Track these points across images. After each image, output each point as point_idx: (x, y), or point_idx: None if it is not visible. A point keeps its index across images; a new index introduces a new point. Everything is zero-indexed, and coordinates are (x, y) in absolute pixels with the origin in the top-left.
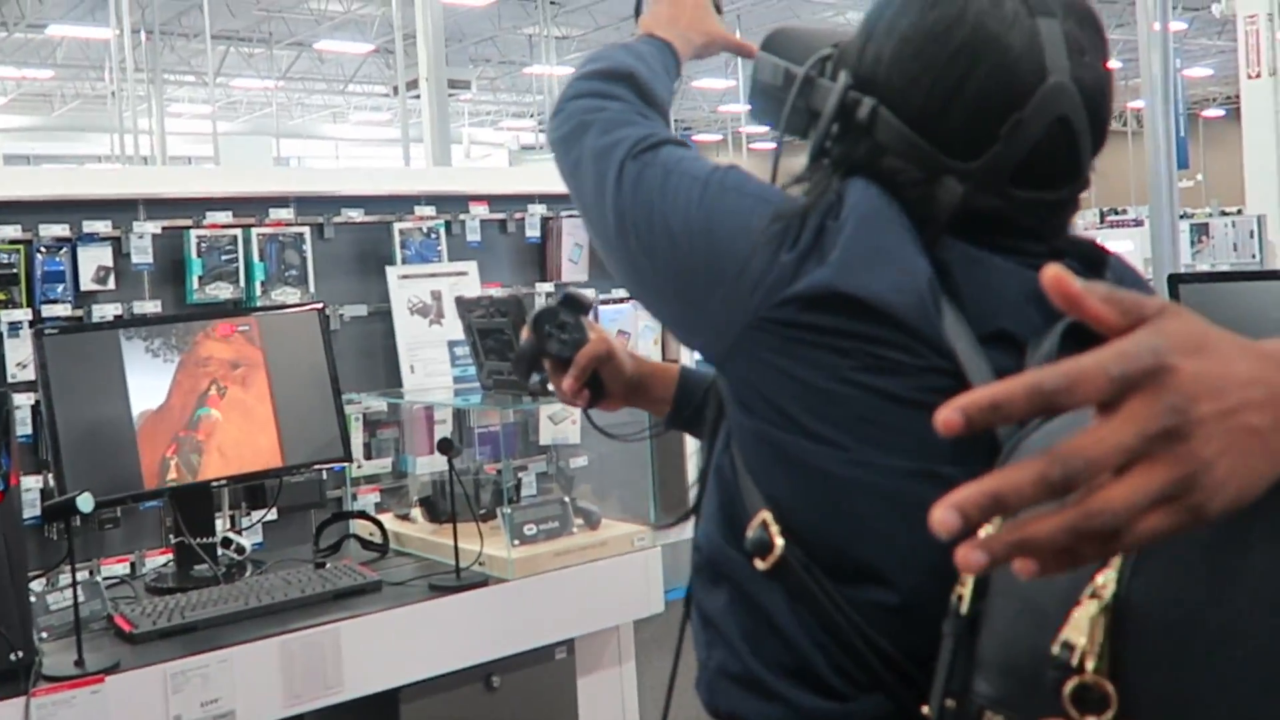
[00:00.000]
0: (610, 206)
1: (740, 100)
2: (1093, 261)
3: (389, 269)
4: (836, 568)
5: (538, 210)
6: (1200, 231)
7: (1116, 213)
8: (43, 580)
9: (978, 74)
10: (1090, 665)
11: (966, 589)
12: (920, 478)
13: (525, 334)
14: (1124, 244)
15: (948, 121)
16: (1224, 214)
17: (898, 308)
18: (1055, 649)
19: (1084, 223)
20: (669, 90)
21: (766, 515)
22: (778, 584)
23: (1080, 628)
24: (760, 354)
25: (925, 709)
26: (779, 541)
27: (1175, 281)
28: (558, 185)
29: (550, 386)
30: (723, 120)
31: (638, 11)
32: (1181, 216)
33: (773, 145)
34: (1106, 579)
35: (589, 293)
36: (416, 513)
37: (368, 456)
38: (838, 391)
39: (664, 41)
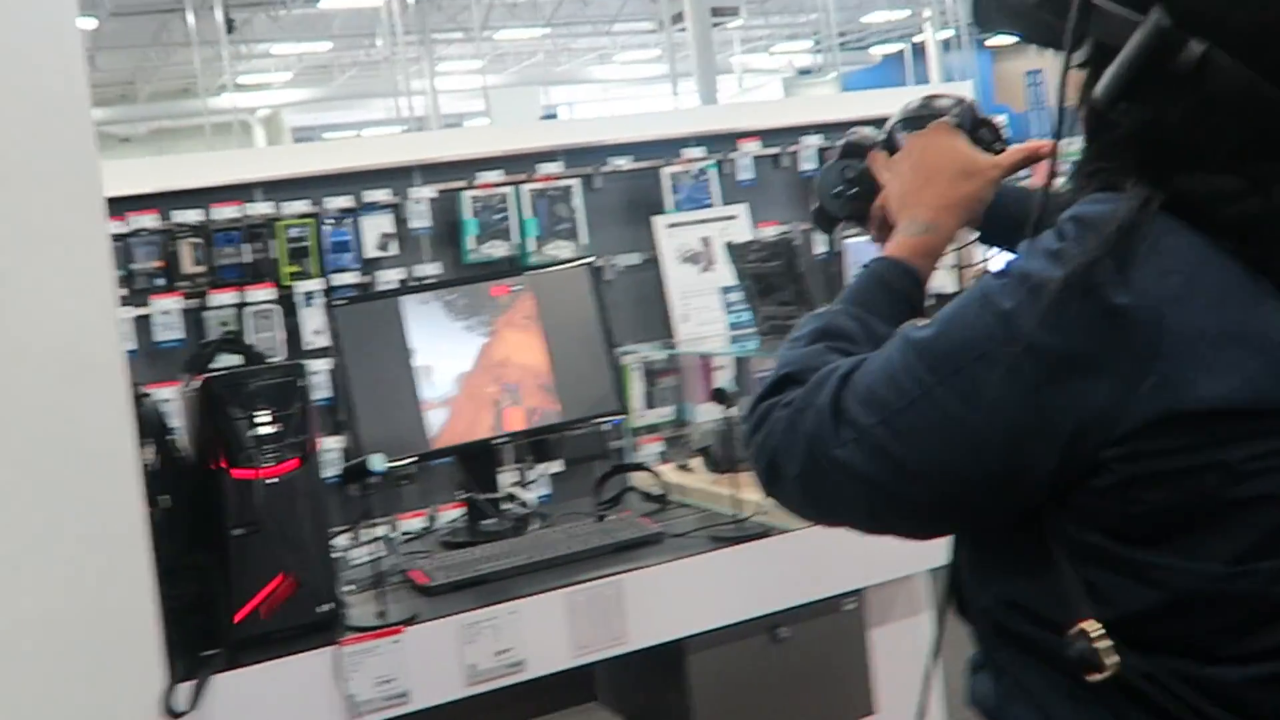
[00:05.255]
0: (878, 508)
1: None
2: None
3: (655, 218)
4: (1189, 655)
5: (812, 141)
6: None
7: None
8: (345, 536)
9: None
10: None
11: None
12: None
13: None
14: None
15: None
16: None
17: (1260, 399)
18: None
19: None
20: (891, 319)
21: (1088, 626)
22: (1119, 693)
23: None
24: (1106, 491)
25: None
26: (1109, 660)
27: None
28: (831, 113)
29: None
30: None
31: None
32: None
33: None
34: None
35: (868, 131)
36: (696, 463)
37: (649, 405)
38: (1205, 509)
39: (891, 261)
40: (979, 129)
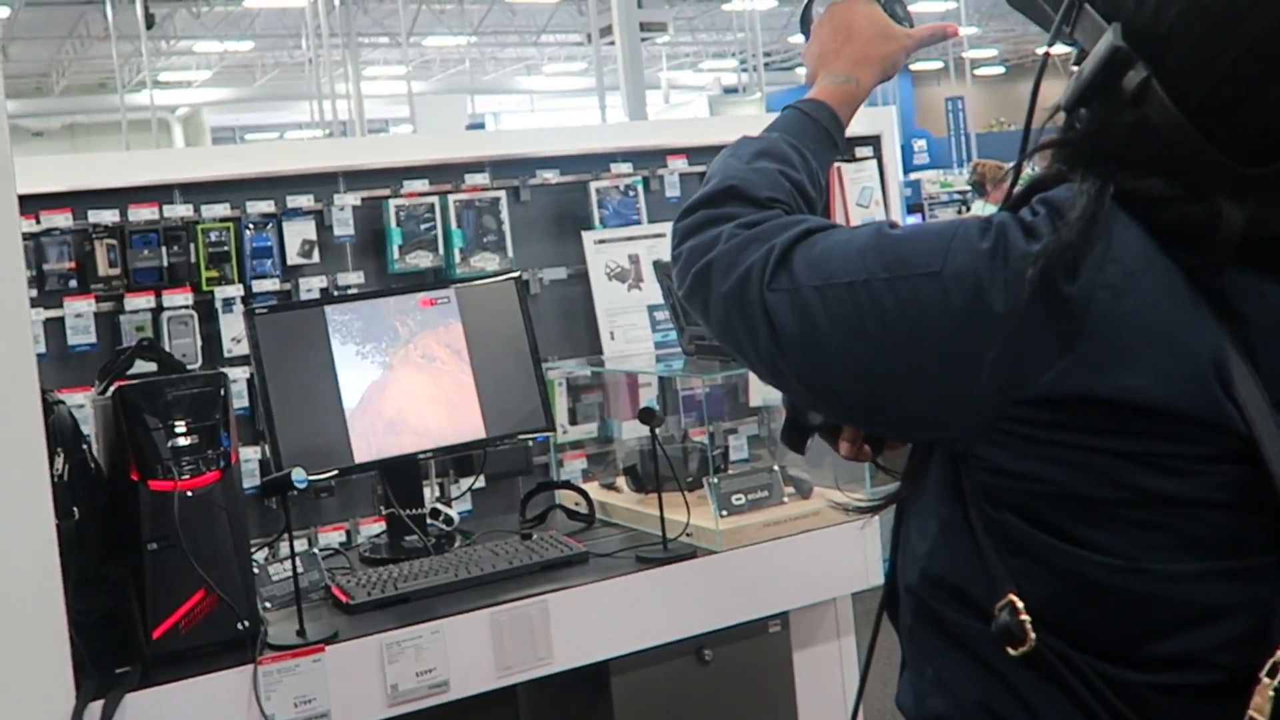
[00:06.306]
0: (776, 358)
1: (963, 22)
2: None
3: (585, 234)
4: (1098, 654)
5: None
6: None
7: None
8: (264, 551)
9: None
10: None
11: (1264, 715)
12: (1206, 578)
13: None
14: None
15: (1235, 118)
16: None
17: (1172, 402)
18: None
19: None
20: (820, 155)
21: (1014, 599)
22: (1030, 670)
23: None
24: (1007, 457)
25: None
26: (1032, 635)
27: None
28: (757, 131)
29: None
30: (943, 45)
31: (805, 29)
32: None
33: (1000, 70)
34: None
35: None
36: (622, 482)
37: (573, 422)
38: (1109, 498)
39: (817, 101)
40: (892, 5)
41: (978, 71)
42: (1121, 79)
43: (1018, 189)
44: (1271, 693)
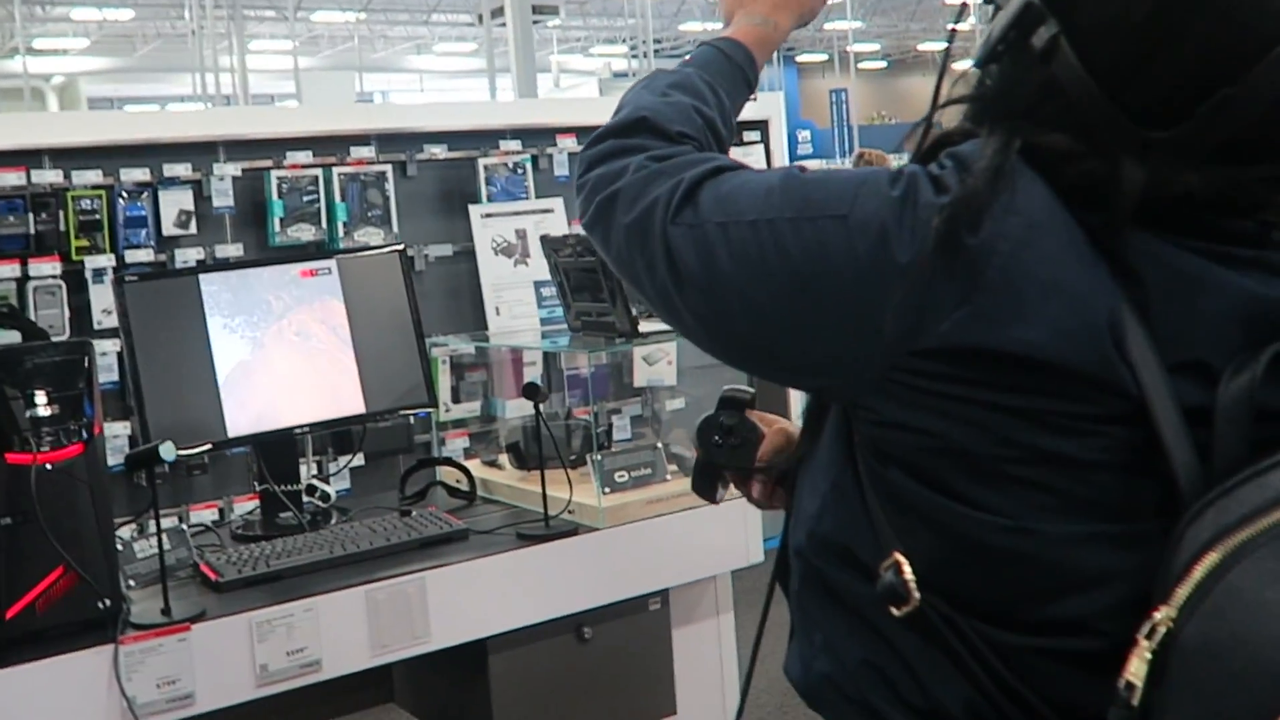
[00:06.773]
0: (673, 294)
1: (848, 16)
2: None
3: (472, 208)
4: (981, 616)
5: None
6: None
7: None
8: (131, 528)
9: (1191, 33)
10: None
11: (1139, 678)
12: (1093, 541)
13: (695, 450)
14: None
15: (1140, 79)
16: None
17: (1064, 359)
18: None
19: None
20: (734, 94)
21: (900, 558)
22: (913, 632)
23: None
24: (897, 409)
25: None
26: (916, 595)
27: None
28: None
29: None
30: (828, 38)
31: None
32: None
33: (882, 65)
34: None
35: (743, 387)
36: (504, 459)
37: (455, 400)
38: (997, 455)
39: (733, 41)
40: None
41: (861, 65)
42: (1032, 36)
43: (926, 144)
44: (1149, 655)
